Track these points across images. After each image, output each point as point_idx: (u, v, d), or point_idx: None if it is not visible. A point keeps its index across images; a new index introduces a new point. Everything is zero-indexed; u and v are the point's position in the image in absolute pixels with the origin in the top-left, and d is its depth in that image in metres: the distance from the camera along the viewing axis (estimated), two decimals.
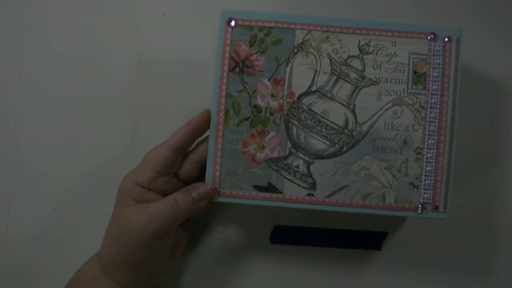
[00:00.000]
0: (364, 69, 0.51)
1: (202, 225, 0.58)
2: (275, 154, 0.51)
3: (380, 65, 0.51)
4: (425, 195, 0.50)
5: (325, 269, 0.59)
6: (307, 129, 0.51)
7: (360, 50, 0.51)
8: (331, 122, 0.51)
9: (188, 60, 0.59)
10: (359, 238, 0.59)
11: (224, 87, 0.51)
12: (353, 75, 0.51)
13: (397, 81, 0.51)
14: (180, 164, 0.52)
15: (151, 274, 0.51)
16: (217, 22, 0.51)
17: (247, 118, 0.51)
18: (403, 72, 0.51)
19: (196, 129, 0.51)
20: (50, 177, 0.59)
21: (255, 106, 0.51)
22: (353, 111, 0.51)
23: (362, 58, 0.51)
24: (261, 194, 0.51)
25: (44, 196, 0.59)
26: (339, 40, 0.51)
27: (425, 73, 0.51)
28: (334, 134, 0.51)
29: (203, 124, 0.51)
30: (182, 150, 0.51)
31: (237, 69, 0.51)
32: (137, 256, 0.48)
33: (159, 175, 0.50)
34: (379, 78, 0.51)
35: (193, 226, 0.57)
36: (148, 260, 0.49)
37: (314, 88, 0.51)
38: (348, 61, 0.51)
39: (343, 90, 0.51)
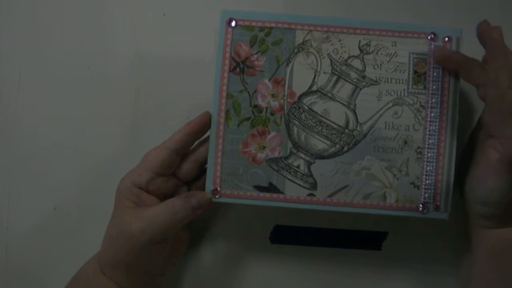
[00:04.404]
0: (365, 69, 0.51)
1: (203, 225, 0.58)
2: (276, 154, 0.51)
3: (381, 65, 0.51)
4: (426, 195, 0.50)
5: (325, 269, 0.59)
6: (307, 129, 0.51)
7: (360, 50, 0.51)
8: (332, 122, 0.51)
9: (188, 60, 0.59)
10: (359, 238, 0.59)
11: (224, 87, 0.51)
12: (353, 75, 0.51)
13: (398, 81, 0.51)
14: (180, 164, 0.52)
15: (149, 275, 0.51)
16: (217, 22, 0.51)
17: (247, 118, 0.51)
18: (403, 72, 0.51)
19: (195, 131, 0.51)
20: (50, 177, 0.59)
21: (255, 106, 0.51)
22: (354, 111, 0.51)
23: (363, 58, 0.51)
24: (262, 194, 0.51)
25: (44, 196, 0.59)
26: (340, 40, 0.51)
27: (425, 73, 0.51)
28: (334, 134, 0.51)
29: (202, 126, 0.51)
30: (181, 152, 0.51)
31: (238, 69, 0.51)
32: (133, 259, 0.48)
33: (157, 176, 0.50)
34: (379, 78, 0.51)
35: (194, 226, 0.57)
36: (144, 263, 0.49)
37: (314, 88, 0.51)
38: (349, 61, 0.51)
39: (344, 90, 0.51)
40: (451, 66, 0.50)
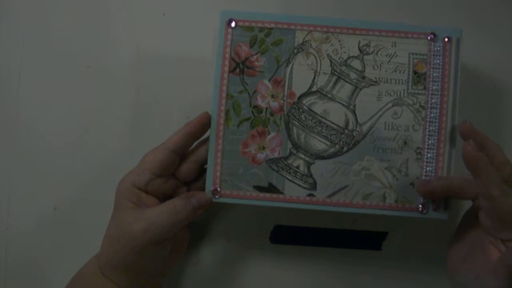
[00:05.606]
0: (364, 70, 0.51)
1: (203, 225, 0.58)
2: (276, 155, 0.51)
3: (380, 65, 0.51)
4: None
5: (325, 269, 0.59)
6: (307, 130, 0.51)
7: (360, 50, 0.51)
8: (332, 122, 0.51)
9: (188, 60, 0.59)
10: (359, 238, 0.59)
11: (224, 88, 0.51)
12: (353, 75, 0.51)
13: (397, 81, 0.51)
14: (179, 164, 0.52)
15: (149, 276, 0.51)
16: (217, 22, 0.51)
17: (247, 119, 0.51)
18: (403, 72, 0.51)
19: (194, 131, 0.51)
20: (50, 177, 0.59)
21: (255, 106, 0.51)
22: (354, 112, 0.51)
23: (362, 59, 0.51)
24: (262, 194, 0.51)
25: (44, 196, 0.59)
26: (339, 41, 0.51)
27: (425, 73, 0.51)
28: (334, 134, 0.51)
29: (202, 126, 0.51)
30: (180, 152, 0.51)
31: (238, 70, 0.51)
32: (133, 259, 0.48)
33: (156, 176, 0.50)
34: (379, 79, 0.51)
35: (194, 226, 0.57)
36: (145, 264, 0.49)
37: (314, 88, 0.51)
38: (348, 62, 0.51)
39: (343, 90, 0.51)
40: (439, 195, 0.49)
